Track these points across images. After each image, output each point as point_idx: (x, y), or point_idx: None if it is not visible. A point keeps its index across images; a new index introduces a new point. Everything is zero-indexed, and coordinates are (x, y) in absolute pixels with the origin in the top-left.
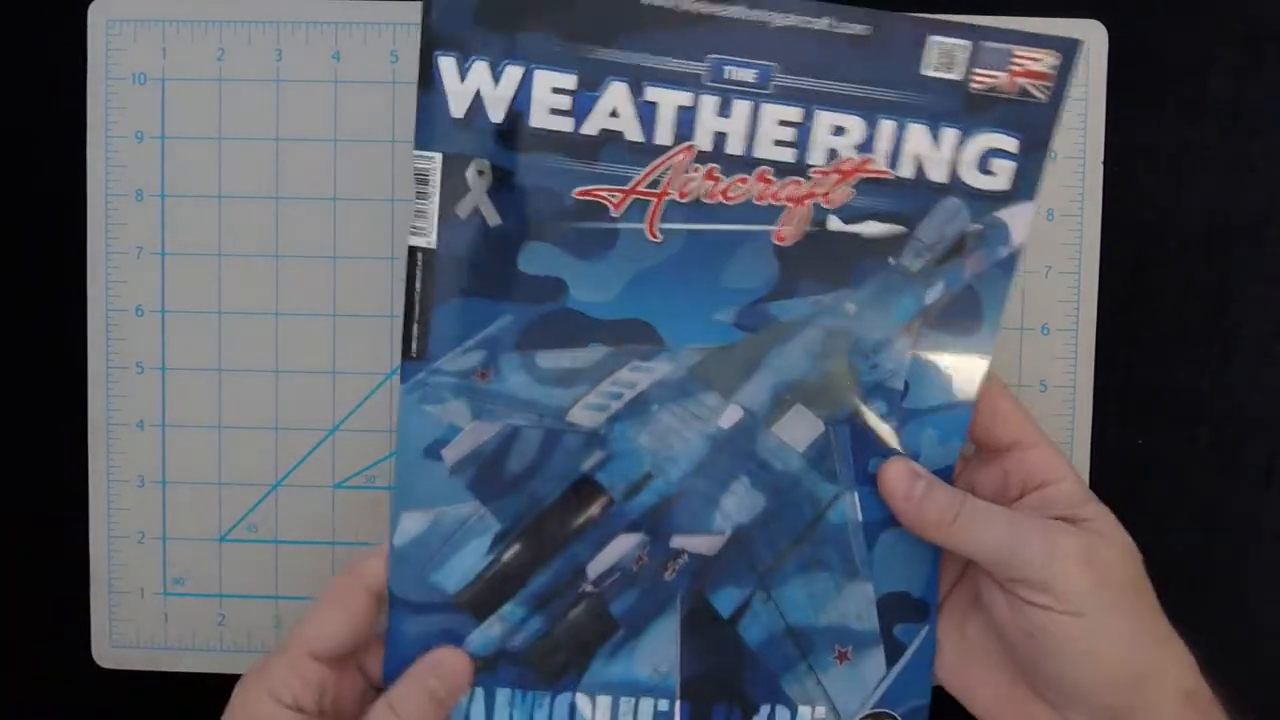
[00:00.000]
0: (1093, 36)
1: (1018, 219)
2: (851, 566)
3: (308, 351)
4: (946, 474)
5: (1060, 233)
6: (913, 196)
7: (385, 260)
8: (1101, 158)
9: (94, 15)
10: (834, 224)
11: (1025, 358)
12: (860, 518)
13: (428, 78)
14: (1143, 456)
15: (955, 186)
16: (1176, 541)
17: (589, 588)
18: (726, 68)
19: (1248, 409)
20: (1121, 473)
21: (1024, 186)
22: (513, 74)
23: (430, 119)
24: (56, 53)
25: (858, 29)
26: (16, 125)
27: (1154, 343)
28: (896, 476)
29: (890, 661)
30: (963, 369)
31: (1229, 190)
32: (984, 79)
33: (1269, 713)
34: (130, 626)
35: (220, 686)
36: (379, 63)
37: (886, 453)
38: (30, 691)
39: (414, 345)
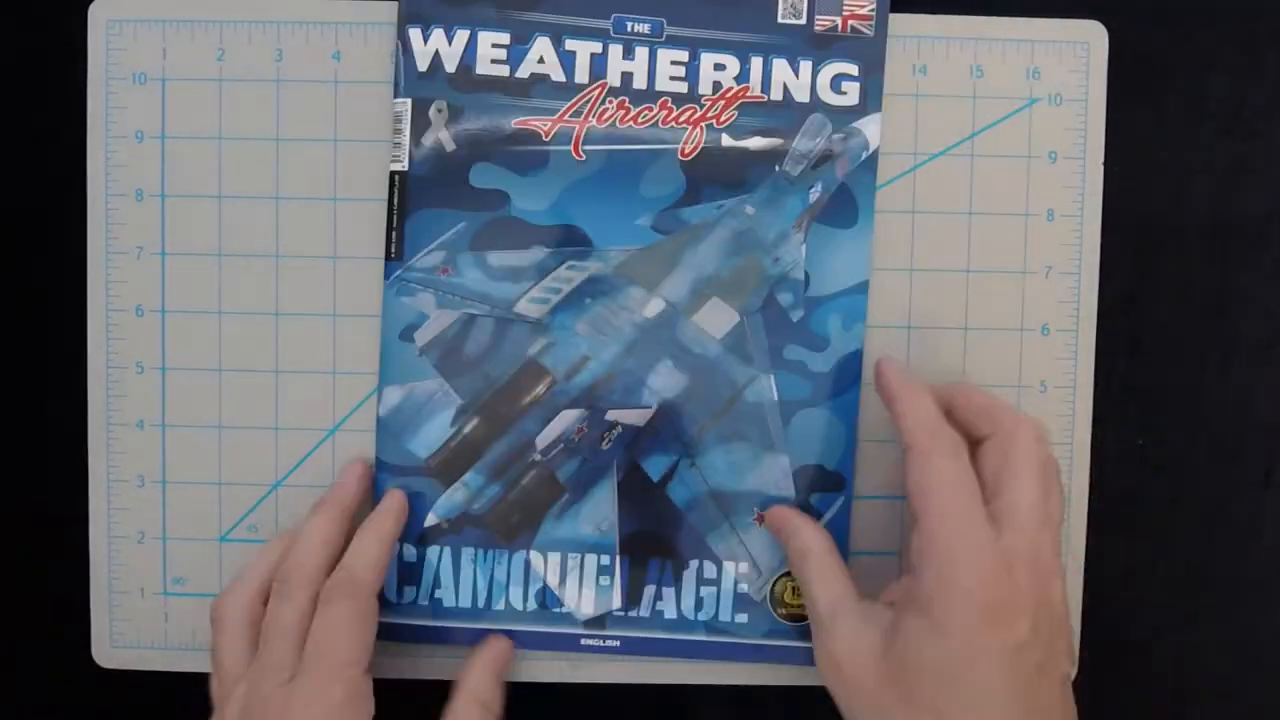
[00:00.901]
0: (1093, 37)
1: (870, 127)
2: (768, 440)
3: (308, 351)
4: (856, 359)
5: (1060, 233)
6: (785, 114)
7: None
8: (1101, 158)
9: (94, 15)
10: (726, 140)
11: (1025, 359)
12: (776, 397)
13: (404, 45)
14: (1143, 456)
15: (816, 104)
16: (1176, 541)
17: (538, 457)
18: (627, 23)
19: (1248, 409)
20: (1121, 473)
21: (870, 101)
22: (462, 35)
23: (403, 75)
24: (56, 53)
25: None
26: (16, 125)
27: (1154, 343)
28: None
29: None
30: (851, 257)
31: (1229, 190)
32: (824, 22)
33: (1269, 712)
34: (130, 626)
35: None
36: (379, 62)
37: (798, 339)
38: (30, 691)
39: (393, 249)
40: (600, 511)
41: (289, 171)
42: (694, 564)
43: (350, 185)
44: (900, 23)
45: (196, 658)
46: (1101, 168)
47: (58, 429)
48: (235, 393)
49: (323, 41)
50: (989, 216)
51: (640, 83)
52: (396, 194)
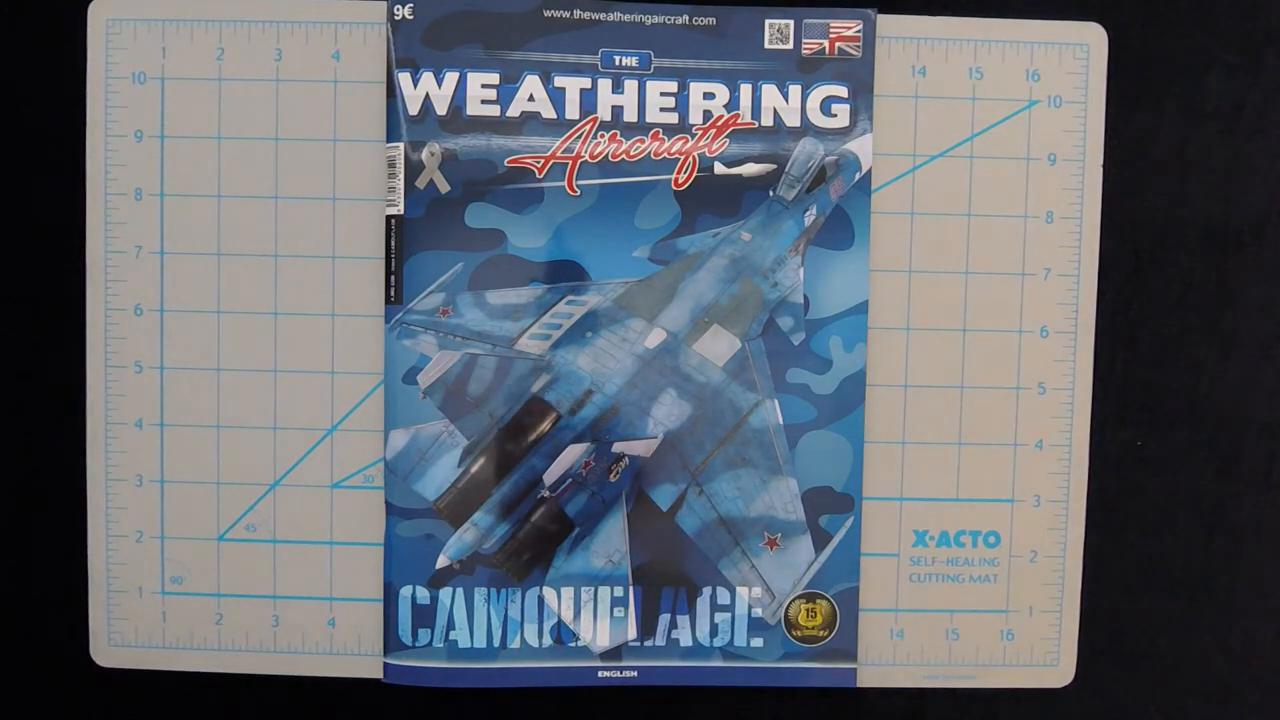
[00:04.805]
0: (1092, 38)
1: (862, 148)
2: (774, 464)
3: (306, 351)
4: (859, 380)
5: (1059, 235)
6: (776, 139)
7: (384, 260)
8: (1101, 160)
9: (94, 15)
10: (719, 168)
11: (1024, 360)
12: (781, 421)
13: (391, 89)
14: (1143, 457)
15: (807, 128)
16: (1176, 541)
17: (546, 493)
18: (615, 57)
19: (1247, 409)
20: (1121, 473)
21: (861, 122)
22: (451, 78)
23: (395, 119)
24: (56, 52)
25: (708, 20)
26: (16, 125)
27: (1153, 344)
28: None
29: (818, 548)
30: (850, 277)
31: (1229, 190)
32: (811, 46)
33: (1268, 713)
34: (128, 625)
35: (218, 686)
36: (378, 63)
37: (800, 362)
38: (28, 690)
39: (392, 292)
40: (611, 544)
41: (288, 171)
42: (707, 591)
43: (349, 185)
44: (899, 24)
45: (194, 657)
46: (1101, 170)
47: (56, 427)
48: (234, 392)
49: (322, 41)
50: (988, 218)
51: (631, 115)
52: (393, 238)
